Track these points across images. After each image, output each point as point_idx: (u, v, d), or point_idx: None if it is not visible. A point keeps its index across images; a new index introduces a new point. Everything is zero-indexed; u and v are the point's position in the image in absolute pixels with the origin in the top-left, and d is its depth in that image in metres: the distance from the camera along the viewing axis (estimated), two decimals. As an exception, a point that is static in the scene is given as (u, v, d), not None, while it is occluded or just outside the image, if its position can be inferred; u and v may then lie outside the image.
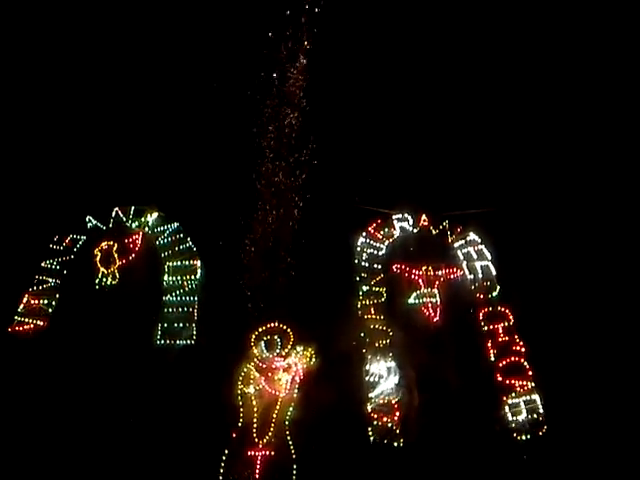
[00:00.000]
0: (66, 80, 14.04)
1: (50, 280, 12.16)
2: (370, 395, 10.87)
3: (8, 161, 13.30)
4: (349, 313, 11.87)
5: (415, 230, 13.25)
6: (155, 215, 12.92)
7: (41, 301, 11.87)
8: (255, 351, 10.96)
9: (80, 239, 12.71)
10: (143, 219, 12.89)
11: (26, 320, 11.65)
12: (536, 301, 12.00)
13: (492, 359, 11.58)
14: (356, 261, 12.62)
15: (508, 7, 14.40)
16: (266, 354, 10.96)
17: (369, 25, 14.34)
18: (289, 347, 10.97)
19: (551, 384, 11.21)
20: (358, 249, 12.76)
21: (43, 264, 12.31)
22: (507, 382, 11.27)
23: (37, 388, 10.77)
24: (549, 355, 11.48)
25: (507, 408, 11.04)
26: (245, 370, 10.82)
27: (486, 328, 11.92)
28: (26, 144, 13.52)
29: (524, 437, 10.80)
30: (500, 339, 11.74)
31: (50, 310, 11.83)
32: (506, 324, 11.91)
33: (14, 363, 11.07)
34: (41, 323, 11.67)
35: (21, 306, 11.78)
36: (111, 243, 12.50)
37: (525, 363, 11.45)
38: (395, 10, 14.40)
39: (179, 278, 12.11)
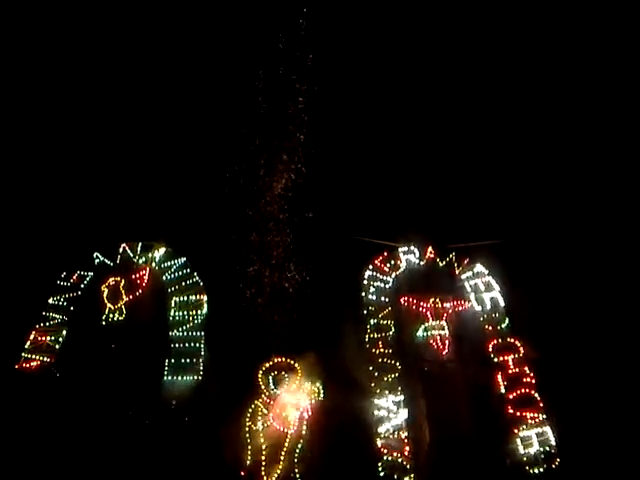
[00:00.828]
0: (75, 114, 14.16)
1: (57, 316, 12.13)
2: (379, 430, 10.76)
3: (16, 198, 13.40)
4: (357, 347, 11.81)
5: (422, 262, 13.24)
6: (162, 250, 12.93)
7: (48, 337, 11.83)
8: (263, 387, 10.89)
9: (87, 275, 12.71)
10: (150, 254, 12.90)
11: (33, 357, 11.59)
12: (546, 332, 11.94)
13: (502, 391, 11.48)
14: (363, 294, 12.58)
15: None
16: (274, 390, 10.88)
17: (370, 52, 14.46)
18: (297, 382, 10.88)
19: (563, 415, 11.09)
20: (365, 282, 12.72)
21: (50, 300, 12.29)
22: (518, 414, 11.16)
23: (44, 425, 10.69)
24: (560, 386, 11.38)
25: (518, 441, 10.91)
26: (253, 406, 10.73)
27: (496, 360, 11.84)
28: (33, 181, 13.62)
29: (536, 470, 10.65)
30: (510, 371, 11.66)
31: (57, 346, 11.79)
32: (516, 355, 11.83)
33: (21, 400, 10.98)
34: (48, 359, 11.59)
35: (28, 343, 11.74)
36: (118, 279, 12.52)
37: (536, 394, 11.34)
38: (396, 45, 14.60)
39: (186, 313, 12.08)
